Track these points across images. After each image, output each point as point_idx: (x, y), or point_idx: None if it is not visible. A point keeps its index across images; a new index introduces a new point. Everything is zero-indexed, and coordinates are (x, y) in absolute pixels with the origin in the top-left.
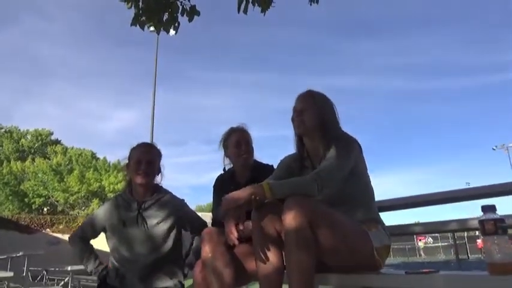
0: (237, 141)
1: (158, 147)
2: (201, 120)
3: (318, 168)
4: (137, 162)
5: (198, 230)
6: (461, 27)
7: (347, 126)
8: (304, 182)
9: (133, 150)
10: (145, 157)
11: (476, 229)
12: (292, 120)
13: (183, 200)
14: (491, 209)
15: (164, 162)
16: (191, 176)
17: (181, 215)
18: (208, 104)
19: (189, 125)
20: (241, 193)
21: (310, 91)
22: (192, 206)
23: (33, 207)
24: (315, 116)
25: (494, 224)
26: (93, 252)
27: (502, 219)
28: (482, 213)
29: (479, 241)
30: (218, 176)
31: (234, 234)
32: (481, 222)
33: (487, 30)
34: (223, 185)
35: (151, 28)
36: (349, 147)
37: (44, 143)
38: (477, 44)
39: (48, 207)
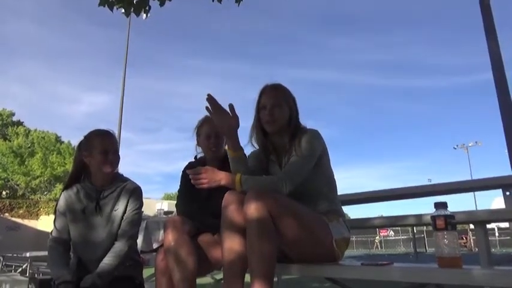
0: (207, 134)
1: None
2: (176, 107)
3: (287, 167)
4: (104, 153)
5: (123, 230)
6: (432, 29)
7: (318, 119)
8: (273, 184)
9: (95, 138)
10: (112, 147)
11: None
12: (258, 113)
13: (140, 188)
14: (443, 205)
15: (135, 149)
16: (163, 163)
17: (139, 202)
18: (183, 90)
19: (163, 112)
20: (216, 177)
21: (278, 84)
22: (161, 194)
23: None
24: (286, 111)
25: (445, 220)
26: (65, 259)
27: (452, 216)
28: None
29: None
30: (187, 164)
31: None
32: (433, 217)
33: (458, 33)
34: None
35: (122, 10)
36: (314, 141)
37: (5, 124)
38: (447, 45)
39: (8, 191)
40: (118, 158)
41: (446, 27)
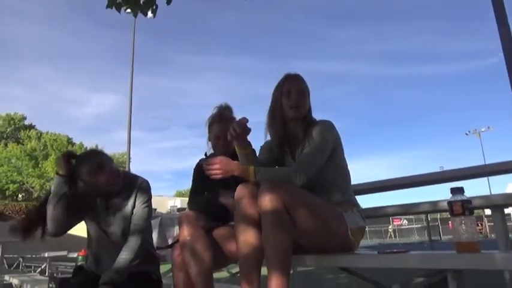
0: (217, 135)
1: (97, 150)
2: (184, 105)
3: (300, 158)
4: (93, 180)
5: (134, 225)
6: (440, 15)
7: (328, 111)
8: (287, 175)
9: (82, 172)
10: (99, 170)
11: (447, 210)
12: (279, 100)
13: (147, 181)
14: (459, 190)
15: (146, 147)
16: (173, 161)
17: (146, 195)
18: (191, 88)
19: (172, 110)
20: (230, 167)
21: (299, 74)
22: (173, 192)
23: (7, 194)
24: (308, 100)
25: (462, 205)
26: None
27: (469, 201)
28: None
29: (451, 222)
30: (199, 161)
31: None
32: (450, 203)
33: (465, 20)
34: (203, 171)
35: (128, 10)
36: (328, 131)
37: (17, 128)
38: (454, 31)
39: (23, 194)
40: (111, 175)
41: (454, 13)
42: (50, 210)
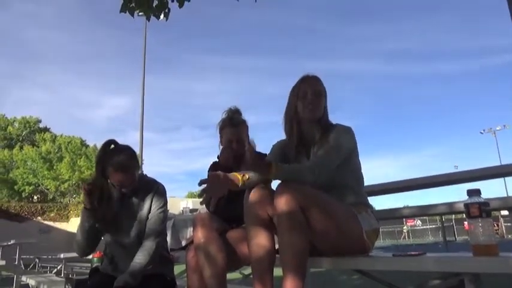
0: (229, 139)
1: (133, 152)
2: (196, 106)
3: (316, 156)
4: (118, 179)
5: (150, 229)
6: (452, 12)
7: (340, 111)
8: (304, 170)
9: (109, 169)
10: (124, 169)
11: (463, 212)
12: (295, 101)
13: (163, 186)
14: (476, 192)
15: (158, 148)
16: (186, 161)
17: (162, 200)
18: (203, 89)
19: (184, 111)
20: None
21: (317, 76)
22: (185, 193)
23: (23, 195)
24: (324, 102)
25: (479, 208)
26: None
27: (486, 203)
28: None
29: (466, 223)
30: (212, 163)
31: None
32: (466, 205)
33: (478, 15)
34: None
35: (141, 13)
36: (346, 135)
37: (32, 131)
38: (467, 28)
39: (39, 196)
40: (128, 179)
41: (467, 9)
42: (78, 239)
